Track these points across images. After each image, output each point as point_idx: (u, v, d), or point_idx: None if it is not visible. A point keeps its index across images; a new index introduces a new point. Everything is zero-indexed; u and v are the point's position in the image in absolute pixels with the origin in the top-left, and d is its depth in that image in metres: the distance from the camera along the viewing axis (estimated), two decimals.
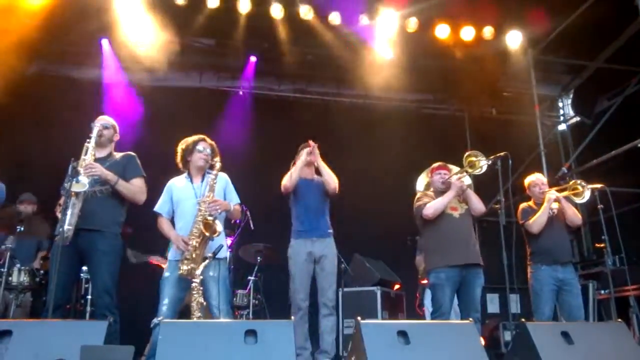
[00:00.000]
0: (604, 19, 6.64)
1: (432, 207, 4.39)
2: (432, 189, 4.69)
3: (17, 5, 6.30)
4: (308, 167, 4.83)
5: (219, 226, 3.71)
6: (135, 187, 3.91)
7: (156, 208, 4.03)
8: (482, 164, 4.45)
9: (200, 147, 4.02)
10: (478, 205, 4.51)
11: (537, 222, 4.74)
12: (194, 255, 3.65)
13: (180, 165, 4.12)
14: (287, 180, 4.66)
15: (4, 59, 5.97)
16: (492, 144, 5.68)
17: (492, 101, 8.75)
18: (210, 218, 3.69)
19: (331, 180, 4.68)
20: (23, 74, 6.70)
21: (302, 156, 4.76)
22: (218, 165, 3.94)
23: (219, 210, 3.79)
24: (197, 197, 3.87)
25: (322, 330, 4.53)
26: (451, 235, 4.37)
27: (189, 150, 4.04)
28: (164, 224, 3.99)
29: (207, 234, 3.66)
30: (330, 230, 4.72)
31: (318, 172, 4.84)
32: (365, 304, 5.68)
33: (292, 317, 4.25)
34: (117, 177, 3.79)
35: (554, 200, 4.78)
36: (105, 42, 7.08)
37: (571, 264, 4.87)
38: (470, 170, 4.47)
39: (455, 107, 8.85)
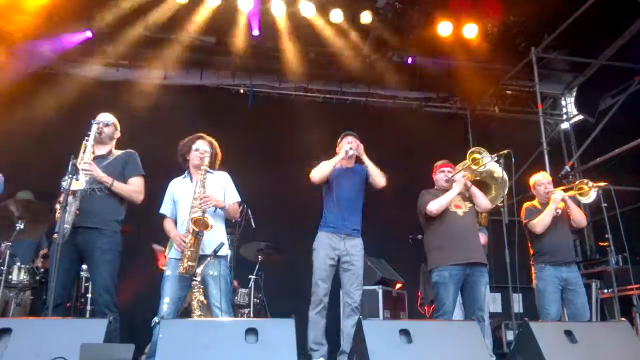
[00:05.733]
0: (608, 17, 6.61)
1: (436, 203, 4.37)
2: (435, 187, 4.66)
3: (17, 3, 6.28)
4: (348, 158, 4.51)
5: (211, 220, 3.66)
6: (132, 187, 3.87)
7: (161, 210, 4.03)
8: (486, 161, 4.42)
9: (196, 145, 3.98)
10: (483, 201, 4.47)
11: (541, 222, 4.66)
12: (188, 253, 3.62)
13: (181, 164, 4.10)
14: (320, 173, 4.31)
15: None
16: (494, 142, 5.64)
17: (495, 99, 8.73)
18: (199, 215, 3.62)
19: (380, 179, 4.43)
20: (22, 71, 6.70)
21: (342, 151, 4.44)
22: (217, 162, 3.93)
23: (210, 205, 3.74)
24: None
25: (343, 330, 4.34)
26: (455, 233, 4.35)
27: (186, 149, 4.02)
28: (167, 224, 3.99)
29: (196, 229, 3.60)
30: (360, 229, 4.47)
31: (359, 160, 4.52)
32: (367, 303, 5.64)
33: (311, 311, 4.19)
34: (112, 179, 3.74)
35: (560, 200, 4.71)
36: (88, 33, 7.00)
37: (575, 263, 4.83)
38: (474, 167, 4.44)
39: (457, 105, 8.82)
